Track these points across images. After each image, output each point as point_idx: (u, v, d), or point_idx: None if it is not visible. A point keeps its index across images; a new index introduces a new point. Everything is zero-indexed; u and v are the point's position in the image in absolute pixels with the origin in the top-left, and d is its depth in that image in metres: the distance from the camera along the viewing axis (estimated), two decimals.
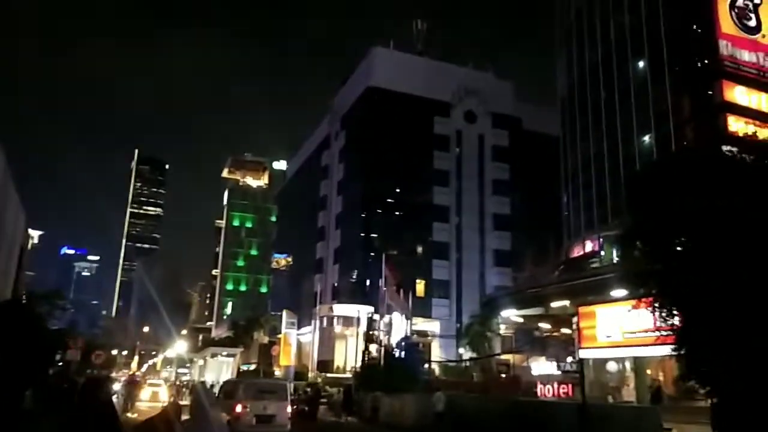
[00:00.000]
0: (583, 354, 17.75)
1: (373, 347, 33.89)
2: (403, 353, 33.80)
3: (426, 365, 35.36)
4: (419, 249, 61.92)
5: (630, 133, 40.30)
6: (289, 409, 18.49)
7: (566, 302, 24.24)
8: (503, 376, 30.28)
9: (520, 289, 26.44)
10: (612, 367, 22.91)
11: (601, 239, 27.55)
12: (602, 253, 27.92)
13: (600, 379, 24.04)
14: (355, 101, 68.73)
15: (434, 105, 65.86)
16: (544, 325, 32.38)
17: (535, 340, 40.68)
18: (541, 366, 22.12)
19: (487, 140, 68.82)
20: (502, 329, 43.88)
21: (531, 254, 29.66)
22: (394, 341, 35.61)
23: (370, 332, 34.07)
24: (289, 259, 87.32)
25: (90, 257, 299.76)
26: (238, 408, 17.42)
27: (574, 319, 26.53)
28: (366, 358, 33.51)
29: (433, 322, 57.21)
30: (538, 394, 17.61)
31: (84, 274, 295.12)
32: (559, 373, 19.24)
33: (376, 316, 38.92)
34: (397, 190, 63.18)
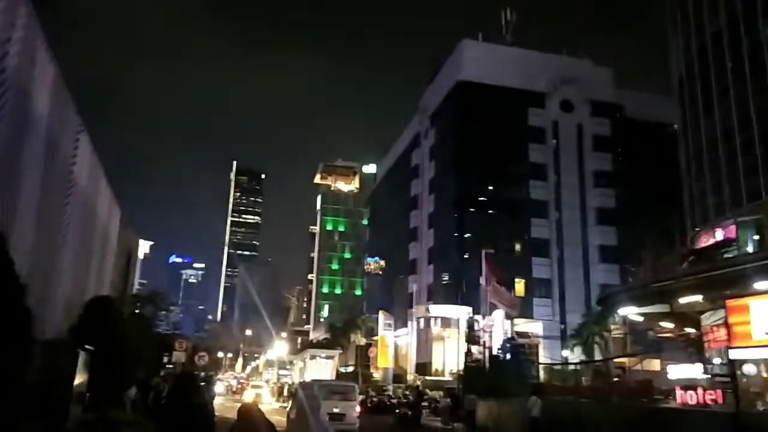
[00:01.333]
0: (734, 354, 15.22)
1: (474, 349, 32.13)
2: (507, 355, 31.85)
3: (533, 368, 33.10)
4: (517, 247, 59.16)
5: (766, 104, 35.33)
6: (357, 408, 21.02)
7: (698, 297, 21.35)
8: (618, 379, 27.52)
9: (643, 283, 23.66)
10: (750, 369, 19.85)
11: (735, 225, 24.31)
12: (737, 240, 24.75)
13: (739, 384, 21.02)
14: (445, 97, 67.09)
15: (528, 96, 62.90)
16: (666, 324, 29.18)
17: (661, 341, 37.30)
18: (682, 369, 19.44)
19: (587, 130, 64.87)
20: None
21: (650, 247, 26.76)
22: (495, 343, 33.72)
23: (472, 333, 32.31)
24: (382, 263, 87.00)
25: (196, 265, 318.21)
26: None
27: (705, 316, 23.56)
28: (468, 361, 31.80)
29: (534, 322, 54.28)
30: (678, 400, 15.34)
31: (191, 280, 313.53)
32: (707, 377, 16.71)
33: (476, 317, 37.19)
34: (492, 186, 60.77)
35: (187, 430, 4.67)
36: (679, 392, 15.63)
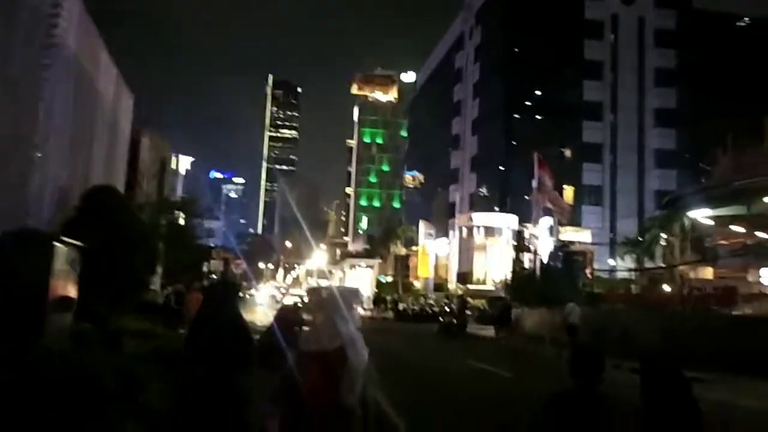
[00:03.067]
0: None
1: (525, 257, 30.00)
2: (559, 263, 29.65)
3: (586, 276, 30.96)
4: (567, 152, 55.40)
5: None
6: (360, 310, 18.88)
7: None
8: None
9: (722, 182, 20.58)
10: None
11: None
12: None
13: None
14: None
15: None
16: (737, 229, 26.34)
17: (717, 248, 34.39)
18: None
19: (649, 23, 58.72)
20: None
21: (728, 144, 23.39)
22: (542, 252, 31.46)
23: (522, 241, 30.04)
24: (420, 177, 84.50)
25: (236, 180, 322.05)
26: None
27: None
28: (517, 269, 29.77)
29: (583, 231, 51.62)
30: None
31: (232, 195, 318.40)
32: None
33: (523, 226, 34.85)
34: (542, 88, 56.28)
35: (219, 346, 4.02)
36: None
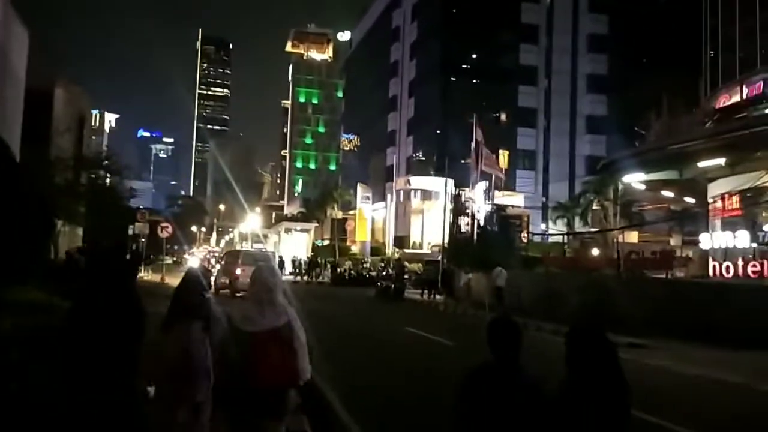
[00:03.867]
0: None
1: (462, 221, 29.90)
2: (495, 227, 29.77)
3: (521, 239, 31.31)
4: (503, 116, 55.79)
5: None
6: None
7: (720, 160, 18.91)
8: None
9: (658, 145, 20.93)
10: None
11: (764, 81, 21.39)
12: None
13: None
14: None
15: None
16: (666, 194, 27.19)
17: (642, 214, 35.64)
18: (721, 238, 17.25)
19: None
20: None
21: (662, 108, 23.80)
22: (480, 215, 31.56)
23: (459, 204, 29.91)
24: (356, 140, 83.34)
25: (165, 139, 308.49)
26: (238, 271, 22.63)
27: (715, 184, 21.23)
28: (454, 233, 29.69)
29: (516, 195, 52.49)
30: (711, 273, 13.26)
31: (161, 155, 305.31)
32: (753, 246, 14.55)
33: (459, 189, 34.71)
34: (480, 50, 56.03)
35: (106, 318, 3.51)
36: (713, 263, 13.45)
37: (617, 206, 30.40)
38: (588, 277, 18.11)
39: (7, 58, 15.75)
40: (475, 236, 27.35)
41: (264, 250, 62.57)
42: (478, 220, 28.01)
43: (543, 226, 51.20)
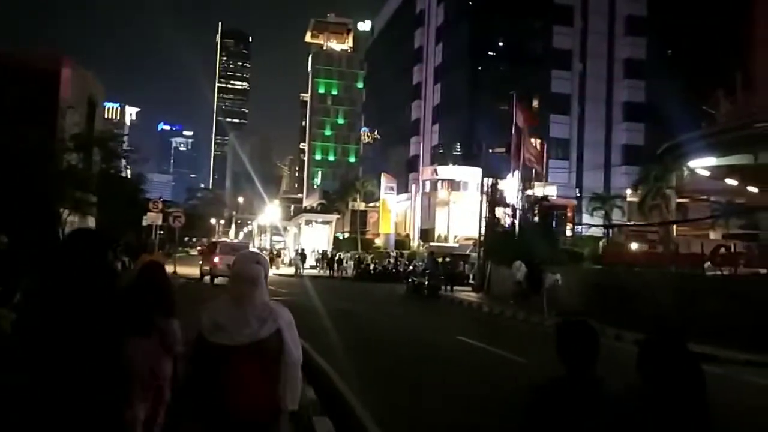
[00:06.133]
0: None
1: (500, 212, 27.42)
2: (536, 219, 27.26)
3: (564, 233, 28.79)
4: (535, 103, 52.76)
5: None
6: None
7: None
8: None
9: (738, 125, 18.16)
10: None
11: None
12: None
13: None
14: None
15: None
16: (731, 182, 24.51)
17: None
18: None
19: None
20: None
21: (739, 82, 21.07)
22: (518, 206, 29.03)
23: (496, 195, 27.39)
24: (375, 134, 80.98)
25: (185, 132, 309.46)
26: (216, 260, 24.90)
27: None
28: (492, 225, 27.21)
29: (549, 186, 49.70)
30: None
31: (181, 148, 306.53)
32: None
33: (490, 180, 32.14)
34: (510, 32, 53.02)
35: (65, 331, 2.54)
36: None
37: (674, 197, 27.55)
38: (663, 275, 15.52)
39: None
40: (516, 229, 24.84)
41: (283, 242, 60.86)
42: (520, 212, 25.50)
43: (586, 218, 48.53)
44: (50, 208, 19.47)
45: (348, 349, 10.35)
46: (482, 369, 9.60)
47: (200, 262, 28.91)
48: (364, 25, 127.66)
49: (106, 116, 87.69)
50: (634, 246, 29.35)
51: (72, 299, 2.54)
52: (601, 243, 32.17)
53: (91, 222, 29.84)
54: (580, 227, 34.48)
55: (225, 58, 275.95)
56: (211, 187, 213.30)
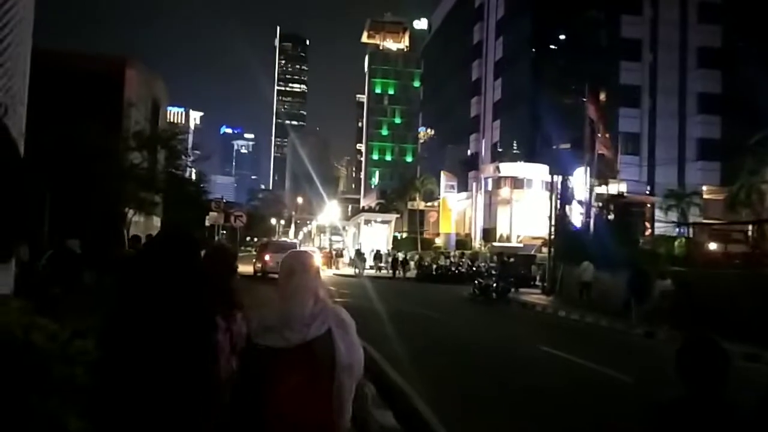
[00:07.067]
0: None
1: (569, 211, 25.92)
2: (612, 217, 25.65)
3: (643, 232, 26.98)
4: (602, 96, 50.28)
5: None
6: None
7: None
8: None
9: None
10: None
11: None
12: None
13: None
14: None
15: None
16: None
17: None
18: None
19: None
20: None
21: None
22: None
23: (568, 192, 25.92)
24: (431, 131, 79.94)
25: (246, 135, 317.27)
26: (267, 257, 27.35)
27: None
28: (560, 224, 25.75)
29: (619, 183, 47.26)
30: None
31: (242, 151, 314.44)
32: None
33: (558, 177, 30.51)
34: (575, 23, 50.78)
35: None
36: None
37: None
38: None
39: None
40: (591, 228, 23.33)
41: (342, 242, 60.69)
42: (595, 210, 23.97)
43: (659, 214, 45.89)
44: (116, 207, 19.57)
45: (425, 362, 9.45)
46: (585, 390, 8.36)
47: (254, 261, 31.04)
48: (420, 24, 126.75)
49: (171, 120, 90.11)
50: (713, 246, 27.17)
51: (171, 307, 2.37)
52: (675, 243, 30.05)
53: (156, 222, 30.36)
54: (683, 225, 32.09)
55: (284, 62, 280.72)
56: (271, 188, 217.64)
